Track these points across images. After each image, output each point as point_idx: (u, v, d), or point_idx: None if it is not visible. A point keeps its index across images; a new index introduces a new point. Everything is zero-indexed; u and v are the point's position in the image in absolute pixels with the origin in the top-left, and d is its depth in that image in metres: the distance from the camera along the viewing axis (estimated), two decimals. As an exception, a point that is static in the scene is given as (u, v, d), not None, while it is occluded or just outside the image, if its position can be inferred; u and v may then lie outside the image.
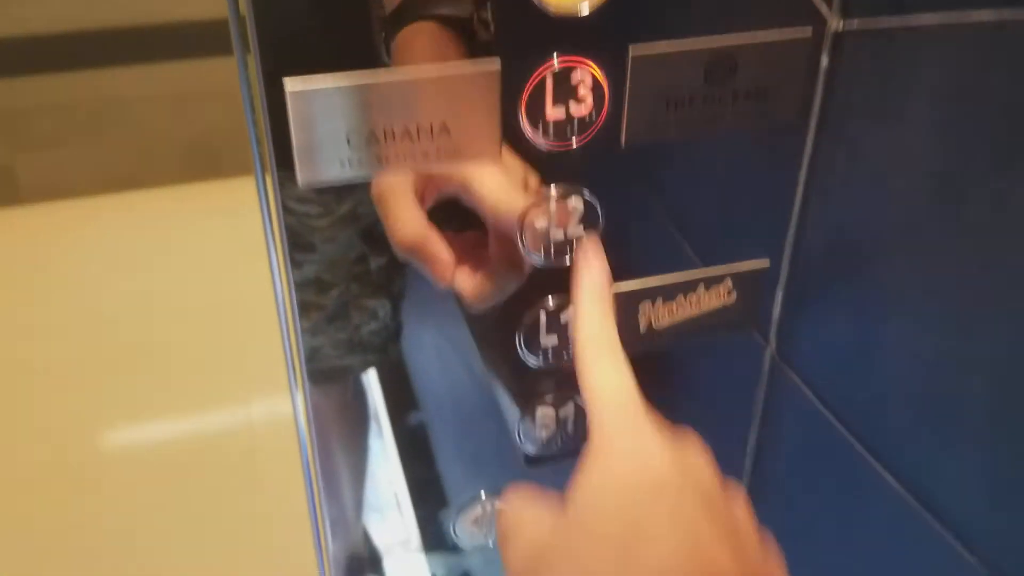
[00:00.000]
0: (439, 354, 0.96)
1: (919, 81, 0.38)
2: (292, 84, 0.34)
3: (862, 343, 0.46)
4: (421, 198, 0.45)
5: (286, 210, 0.55)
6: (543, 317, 0.45)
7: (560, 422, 0.49)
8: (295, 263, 0.64)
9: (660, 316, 0.47)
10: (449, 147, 0.38)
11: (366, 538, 1.18)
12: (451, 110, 0.36)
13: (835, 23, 0.41)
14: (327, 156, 0.36)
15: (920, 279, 0.42)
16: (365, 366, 1.05)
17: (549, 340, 0.46)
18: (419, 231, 0.45)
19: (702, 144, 0.46)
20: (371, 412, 1.33)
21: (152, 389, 2.15)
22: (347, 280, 0.85)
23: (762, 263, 0.47)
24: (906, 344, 0.43)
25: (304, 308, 0.67)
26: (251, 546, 1.80)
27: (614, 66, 0.38)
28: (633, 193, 0.51)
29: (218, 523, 1.85)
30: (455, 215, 0.46)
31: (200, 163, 2.73)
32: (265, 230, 0.50)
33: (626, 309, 0.46)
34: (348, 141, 0.36)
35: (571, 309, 0.43)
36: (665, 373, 0.56)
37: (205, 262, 2.50)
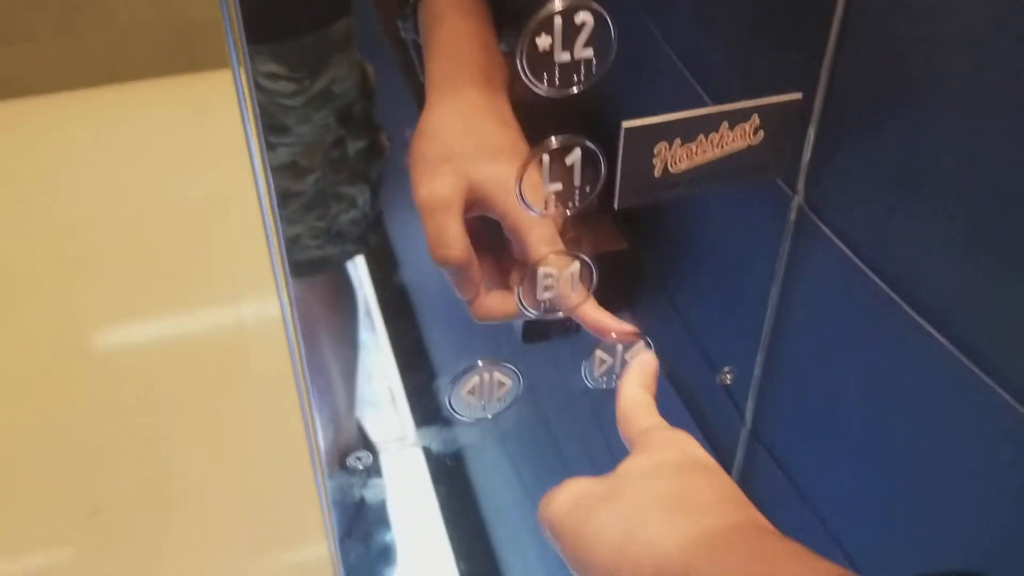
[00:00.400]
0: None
1: None
2: None
3: (904, 189, 0.40)
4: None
5: (257, 87, 0.49)
6: (546, 158, 0.39)
7: (566, 279, 0.44)
8: (269, 146, 0.59)
9: (677, 159, 0.41)
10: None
11: (361, 433, 1.16)
12: None
13: None
14: None
15: (973, 115, 0.36)
16: (345, 256, 1.01)
17: (552, 186, 0.40)
18: (466, 253, 0.46)
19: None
20: (361, 306, 1.29)
21: (137, 287, 2.11)
22: (324, 165, 0.81)
23: (793, 96, 0.41)
24: (955, 189, 0.38)
25: (281, 195, 0.62)
26: (243, 443, 1.78)
27: None
28: (645, 20, 0.45)
29: (209, 420, 1.83)
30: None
31: (177, 56, 2.63)
32: (241, 113, 0.45)
33: (638, 152, 0.40)
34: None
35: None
36: (679, 229, 0.51)
37: (186, 157, 2.42)
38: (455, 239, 0.46)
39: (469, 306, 0.48)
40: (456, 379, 0.45)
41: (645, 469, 0.42)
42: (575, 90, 0.38)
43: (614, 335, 0.46)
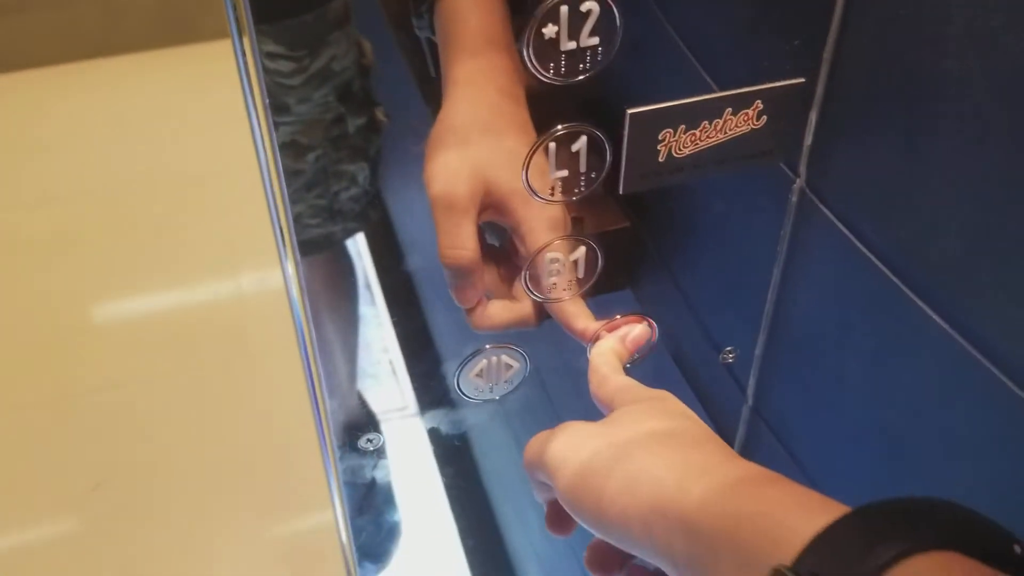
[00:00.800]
0: (431, 219, 0.92)
1: None
2: None
3: (905, 172, 0.41)
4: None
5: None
6: (553, 145, 0.40)
7: (571, 265, 0.44)
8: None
9: (682, 145, 0.42)
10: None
11: (363, 404, 1.17)
12: None
13: None
14: None
15: (976, 96, 0.37)
16: (346, 234, 1.01)
17: (559, 172, 0.41)
18: (476, 258, 0.46)
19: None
20: (361, 280, 1.29)
21: (135, 259, 2.11)
22: (324, 143, 0.81)
23: (795, 81, 0.42)
24: (955, 172, 0.39)
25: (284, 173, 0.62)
26: (244, 415, 1.79)
27: None
28: (650, 7, 0.45)
29: (210, 392, 1.84)
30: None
31: (172, 27, 2.61)
32: (244, 92, 0.45)
33: (643, 138, 0.41)
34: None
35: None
36: (683, 213, 0.52)
37: (181, 130, 2.41)
38: (469, 240, 0.46)
39: (469, 315, 0.48)
40: (464, 362, 0.46)
41: (636, 412, 0.43)
42: (581, 78, 0.38)
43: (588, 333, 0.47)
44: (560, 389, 0.64)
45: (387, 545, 0.88)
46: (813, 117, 0.43)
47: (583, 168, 0.41)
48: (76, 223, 2.20)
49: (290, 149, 0.78)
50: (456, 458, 0.64)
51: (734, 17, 0.44)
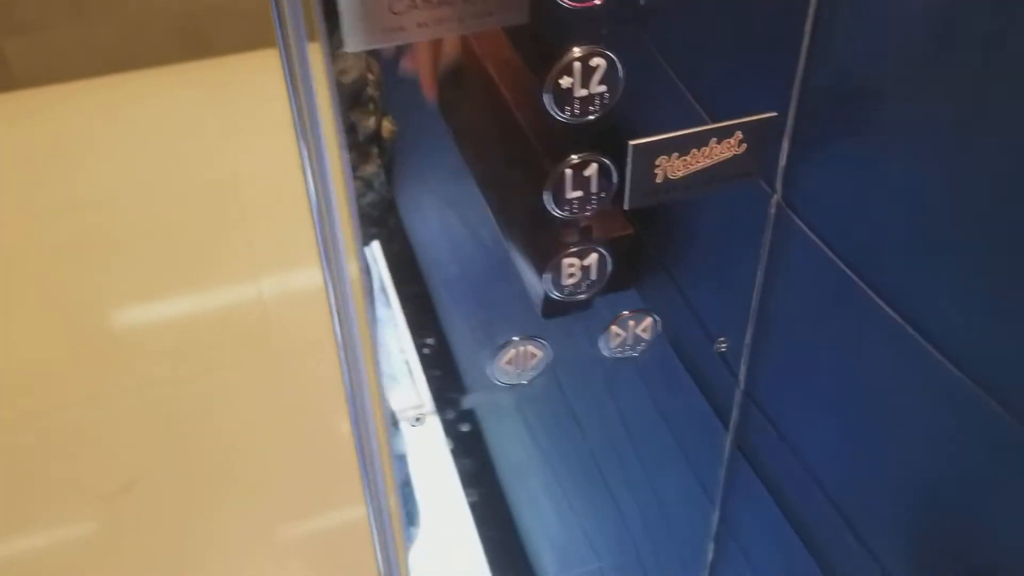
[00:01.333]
0: (444, 226, 1.00)
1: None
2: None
3: (862, 187, 0.49)
4: None
5: None
6: (569, 171, 0.48)
7: (584, 269, 0.53)
8: None
9: (675, 169, 0.50)
10: (482, 11, 0.40)
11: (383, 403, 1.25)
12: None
13: None
14: (371, 23, 0.39)
15: (916, 125, 0.45)
16: (368, 239, 1.09)
17: (574, 193, 0.49)
18: None
19: (712, 4, 0.49)
20: (378, 285, 1.37)
21: (155, 269, 2.19)
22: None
23: (770, 115, 0.50)
24: (903, 186, 0.47)
25: None
26: (270, 415, 1.87)
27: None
28: (648, 56, 0.53)
29: (236, 394, 1.92)
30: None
31: (190, 42, 2.70)
32: (295, 97, 0.52)
33: (643, 164, 0.49)
34: (388, 6, 0.39)
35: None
36: (675, 225, 0.60)
37: (201, 140, 2.50)
38: None
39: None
40: (496, 351, 0.54)
41: None
42: (591, 117, 0.47)
43: None
44: (569, 379, 0.73)
45: (405, 530, 0.95)
46: (785, 144, 0.51)
47: (594, 189, 0.49)
48: (100, 231, 2.28)
49: None
50: (469, 447, 0.71)
51: (719, 62, 0.52)
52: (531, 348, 0.55)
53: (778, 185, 0.53)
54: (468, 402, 0.80)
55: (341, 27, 0.39)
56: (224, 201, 2.34)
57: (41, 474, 1.78)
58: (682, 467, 0.72)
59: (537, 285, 0.57)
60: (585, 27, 0.44)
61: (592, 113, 0.46)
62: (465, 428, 0.85)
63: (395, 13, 0.39)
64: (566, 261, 0.52)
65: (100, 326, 2.08)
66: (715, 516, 0.74)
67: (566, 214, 0.50)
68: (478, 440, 1.05)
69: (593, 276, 0.53)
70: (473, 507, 1.07)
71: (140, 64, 2.68)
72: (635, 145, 0.48)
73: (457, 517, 1.13)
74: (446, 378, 0.96)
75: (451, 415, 0.87)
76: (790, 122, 0.51)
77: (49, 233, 2.27)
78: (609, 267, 0.53)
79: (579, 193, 0.49)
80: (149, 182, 2.41)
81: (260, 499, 1.73)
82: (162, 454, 1.81)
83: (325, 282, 0.67)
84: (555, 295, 0.54)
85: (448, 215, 0.92)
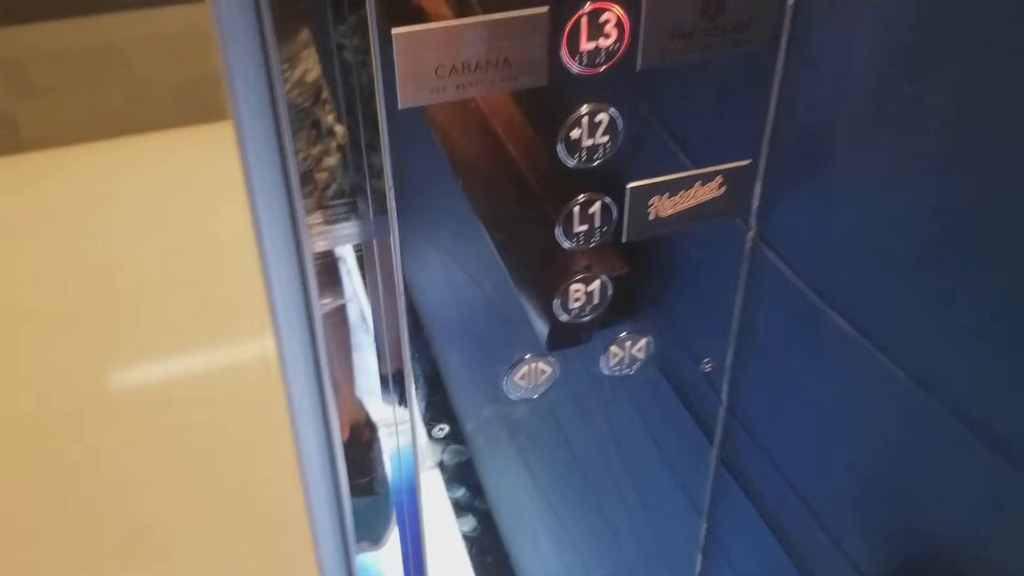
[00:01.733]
0: (447, 272, 1.08)
1: (863, 13, 0.50)
2: (398, 30, 0.46)
3: (825, 223, 0.58)
4: None
5: None
6: (577, 209, 0.57)
7: (588, 294, 0.62)
8: None
9: (665, 208, 0.59)
10: (508, 76, 0.50)
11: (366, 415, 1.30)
12: (512, 46, 0.48)
13: (799, -30, 0.53)
14: (420, 85, 0.48)
15: (864, 168, 0.55)
16: (334, 220, 1.15)
17: (581, 227, 0.58)
18: None
19: (698, 68, 0.58)
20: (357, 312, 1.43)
21: (161, 327, 2.26)
22: (306, 145, 0.96)
23: (745, 162, 0.59)
24: (857, 221, 0.56)
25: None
26: (271, 474, 1.92)
27: (633, 7, 0.50)
28: (644, 111, 0.63)
29: (237, 452, 1.97)
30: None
31: (193, 106, 2.81)
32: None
33: (638, 203, 0.58)
34: (435, 70, 0.48)
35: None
36: (665, 258, 0.69)
37: (204, 202, 2.59)
38: None
39: None
40: (511, 367, 0.62)
41: None
42: (596, 163, 0.56)
43: None
44: (564, 404, 0.80)
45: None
46: (758, 187, 0.61)
47: (598, 224, 0.58)
48: (107, 289, 2.36)
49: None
50: (460, 471, 0.78)
51: (702, 117, 0.62)
52: (542, 364, 0.63)
53: (753, 222, 0.62)
54: (461, 426, 0.87)
55: (397, 86, 0.48)
56: (227, 260, 2.42)
57: (52, 526, 1.82)
58: (671, 482, 0.80)
59: (540, 320, 0.65)
60: (591, 88, 0.53)
61: (596, 160, 0.56)
62: (458, 449, 0.91)
63: (439, 76, 0.48)
64: (573, 287, 0.61)
65: (106, 382, 2.14)
66: (703, 528, 0.82)
67: (573, 245, 0.58)
68: (470, 465, 1.11)
69: (596, 300, 0.62)
70: (465, 534, 1.13)
71: (145, 127, 2.79)
72: (632, 187, 0.57)
73: (450, 541, 1.18)
74: (441, 404, 1.02)
75: (444, 435, 0.93)
76: (762, 168, 0.60)
77: (52, 292, 2.34)
78: (610, 291, 0.62)
79: (585, 227, 0.58)
80: (154, 241, 2.49)
81: (271, 550, 1.77)
82: (169, 506, 1.85)
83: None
84: (563, 317, 0.62)
85: (451, 261, 1.01)
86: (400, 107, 0.48)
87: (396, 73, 0.47)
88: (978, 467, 0.54)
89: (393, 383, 0.69)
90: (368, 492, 0.69)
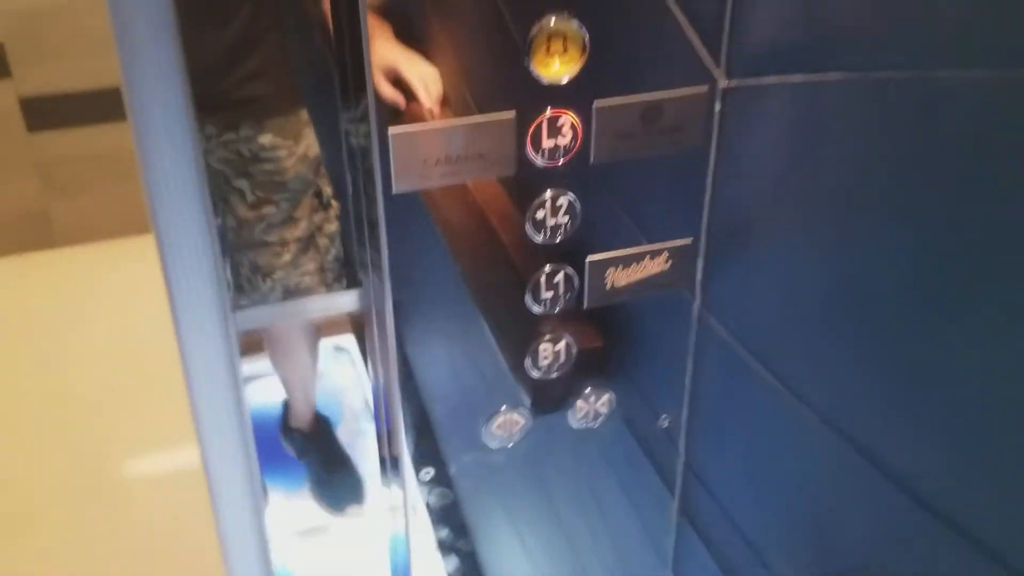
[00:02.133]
0: (434, 332, 1.18)
1: (783, 118, 0.62)
2: (394, 130, 0.57)
3: (758, 293, 0.69)
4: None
5: (258, 159, 0.74)
6: (543, 278, 0.68)
7: (555, 353, 0.72)
8: (273, 202, 0.81)
9: (619, 278, 0.70)
10: (483, 167, 0.61)
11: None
12: (486, 144, 0.60)
13: (723, 82, 0.65)
14: (412, 174, 0.60)
15: (785, 245, 0.66)
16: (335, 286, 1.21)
17: (547, 294, 0.69)
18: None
19: (642, 162, 0.70)
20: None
21: (177, 413, 2.32)
22: (309, 213, 1.05)
23: (687, 240, 0.70)
24: (785, 291, 0.67)
25: (284, 244, 0.85)
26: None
27: (585, 113, 0.62)
28: (600, 196, 0.75)
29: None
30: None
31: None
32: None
33: (597, 274, 0.69)
34: (423, 162, 0.60)
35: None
36: (618, 326, 0.80)
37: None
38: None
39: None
40: (489, 418, 0.72)
41: None
42: (559, 240, 0.67)
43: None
44: (543, 455, 0.89)
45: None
46: (700, 262, 0.72)
47: (562, 291, 0.69)
48: (128, 378, 2.45)
49: (290, 222, 1.00)
50: (444, 514, 0.86)
51: (650, 201, 0.73)
52: (515, 416, 0.73)
53: (697, 292, 0.73)
54: (450, 466, 0.94)
55: (392, 176, 0.59)
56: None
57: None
58: (639, 531, 0.88)
59: (514, 376, 0.75)
60: (553, 177, 0.65)
61: (558, 236, 0.67)
62: (443, 492, 0.97)
63: (427, 165, 0.60)
64: (542, 347, 0.71)
65: (129, 474, 2.19)
66: (670, 577, 0.90)
67: (542, 310, 0.69)
68: (454, 506, 1.17)
69: (563, 359, 0.72)
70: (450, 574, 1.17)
71: (170, 224, 2.93)
72: (591, 261, 0.68)
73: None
74: (428, 448, 1.08)
75: (431, 479, 0.98)
76: (703, 246, 0.71)
77: (78, 385, 2.42)
78: (575, 350, 0.72)
79: (551, 294, 0.69)
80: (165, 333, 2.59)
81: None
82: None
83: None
84: (535, 374, 0.73)
85: (439, 322, 1.11)
86: (394, 192, 0.60)
87: (391, 166, 0.59)
88: (885, 504, 0.63)
89: (391, 466, 0.78)
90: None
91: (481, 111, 0.61)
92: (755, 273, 0.69)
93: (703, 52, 0.64)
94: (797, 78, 0.60)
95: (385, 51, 0.71)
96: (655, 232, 0.73)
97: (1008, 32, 0.45)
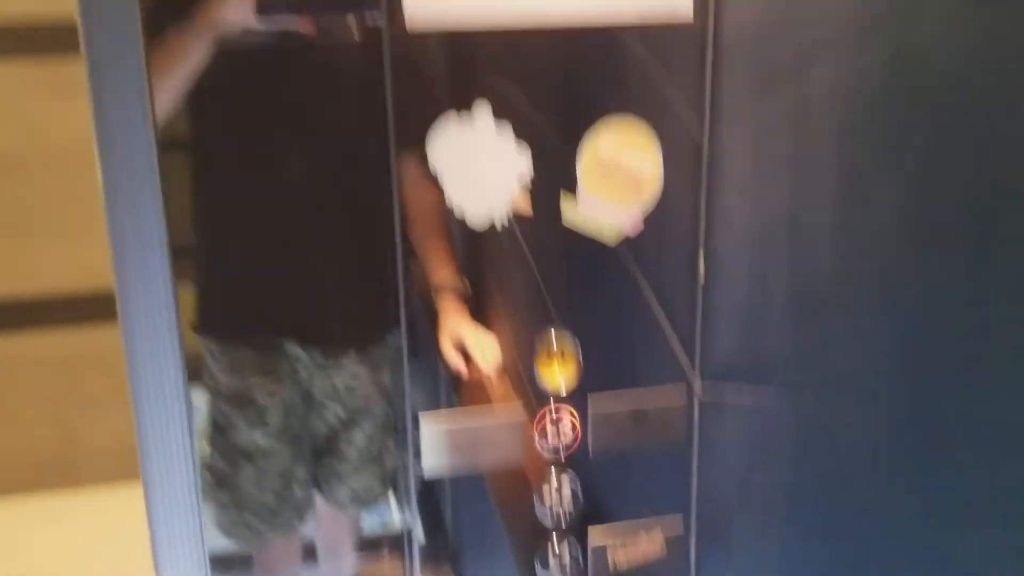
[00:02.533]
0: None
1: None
2: (426, 423, 0.72)
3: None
4: None
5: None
6: (551, 490, 0.79)
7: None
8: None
9: (619, 557, 0.80)
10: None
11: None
12: (498, 439, 0.74)
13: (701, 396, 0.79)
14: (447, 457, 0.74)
15: (773, 534, 0.76)
16: None
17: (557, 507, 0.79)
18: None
19: (635, 456, 0.82)
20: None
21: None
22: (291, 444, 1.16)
23: (678, 532, 0.81)
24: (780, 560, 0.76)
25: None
26: None
27: (584, 412, 0.76)
28: (597, 483, 0.86)
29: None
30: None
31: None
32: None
33: (598, 549, 0.80)
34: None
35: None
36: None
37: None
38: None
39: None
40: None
41: None
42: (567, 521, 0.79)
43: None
44: None
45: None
46: (692, 554, 0.82)
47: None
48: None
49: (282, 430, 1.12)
50: None
51: (641, 496, 0.85)
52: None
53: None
54: None
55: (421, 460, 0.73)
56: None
57: None
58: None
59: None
60: (557, 467, 0.78)
61: (563, 519, 0.79)
62: None
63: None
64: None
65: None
66: None
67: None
68: None
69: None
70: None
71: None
72: (593, 548, 0.79)
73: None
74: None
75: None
76: (693, 540, 0.81)
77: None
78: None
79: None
80: None
81: None
82: None
83: None
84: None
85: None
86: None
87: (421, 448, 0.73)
88: None
89: None
90: None
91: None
92: (746, 559, 0.78)
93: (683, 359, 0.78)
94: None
95: (455, 324, 0.90)
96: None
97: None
